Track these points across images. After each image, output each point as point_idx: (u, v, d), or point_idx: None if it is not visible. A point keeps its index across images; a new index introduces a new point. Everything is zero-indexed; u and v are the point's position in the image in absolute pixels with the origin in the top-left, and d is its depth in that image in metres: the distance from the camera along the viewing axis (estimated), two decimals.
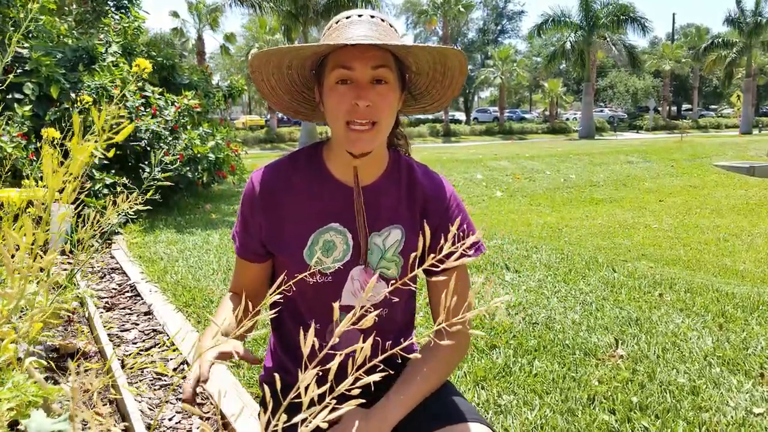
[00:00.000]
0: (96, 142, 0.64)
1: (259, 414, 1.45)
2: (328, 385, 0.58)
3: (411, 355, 0.71)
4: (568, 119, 44.43)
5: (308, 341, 0.59)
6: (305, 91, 1.27)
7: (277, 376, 0.64)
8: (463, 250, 0.68)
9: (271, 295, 0.83)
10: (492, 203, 10.72)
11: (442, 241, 0.69)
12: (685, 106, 56.13)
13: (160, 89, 6.97)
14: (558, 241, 6.62)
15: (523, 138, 32.94)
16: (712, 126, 42.29)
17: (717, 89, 53.96)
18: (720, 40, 35.78)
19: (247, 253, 1.27)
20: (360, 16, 1.15)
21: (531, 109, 58.68)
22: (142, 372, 2.51)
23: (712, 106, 58.55)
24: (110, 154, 0.74)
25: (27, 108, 5.50)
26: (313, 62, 1.19)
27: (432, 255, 0.68)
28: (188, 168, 6.68)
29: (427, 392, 1.20)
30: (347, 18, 1.15)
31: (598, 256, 4.89)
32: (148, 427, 1.99)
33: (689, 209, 9.99)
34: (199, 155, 6.81)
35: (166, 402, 2.26)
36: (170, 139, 6.56)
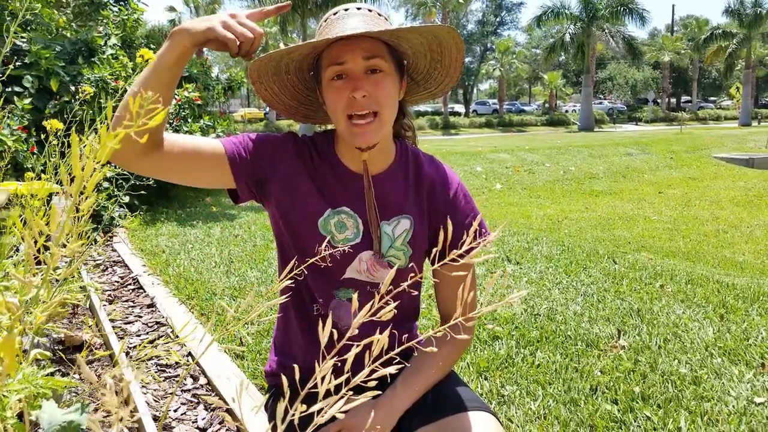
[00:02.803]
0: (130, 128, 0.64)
1: (265, 406, 1.47)
2: (340, 379, 0.59)
3: (427, 349, 0.72)
4: (567, 111, 44.38)
5: (326, 331, 0.59)
6: (310, 95, 1.27)
7: (284, 378, 0.64)
8: (474, 243, 0.69)
9: (281, 280, 0.83)
10: (492, 195, 10.73)
11: (455, 234, 0.69)
12: (684, 98, 56.06)
13: None
14: (558, 233, 6.64)
15: (522, 130, 32.90)
16: (712, 118, 42.23)
17: (716, 81, 53.95)
18: (719, 31, 35.68)
19: (232, 154, 1.17)
20: (347, 10, 1.16)
21: (530, 102, 58.61)
22: (147, 364, 2.52)
23: (712, 98, 58.51)
24: (144, 140, 0.75)
25: (27, 101, 5.48)
26: (309, 64, 1.20)
27: (455, 252, 0.68)
28: None
29: (433, 382, 1.22)
30: (335, 14, 1.17)
31: (598, 248, 4.90)
32: (155, 418, 2.00)
33: (688, 201, 10.00)
34: None
35: (172, 394, 2.27)
36: (171, 132, 6.56)
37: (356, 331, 0.61)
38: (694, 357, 2.58)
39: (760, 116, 37.25)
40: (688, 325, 2.95)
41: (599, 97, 51.28)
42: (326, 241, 1.20)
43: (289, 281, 0.85)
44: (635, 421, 2.07)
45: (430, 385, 1.21)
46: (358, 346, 0.61)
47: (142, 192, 5.27)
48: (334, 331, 0.61)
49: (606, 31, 31.84)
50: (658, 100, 47.07)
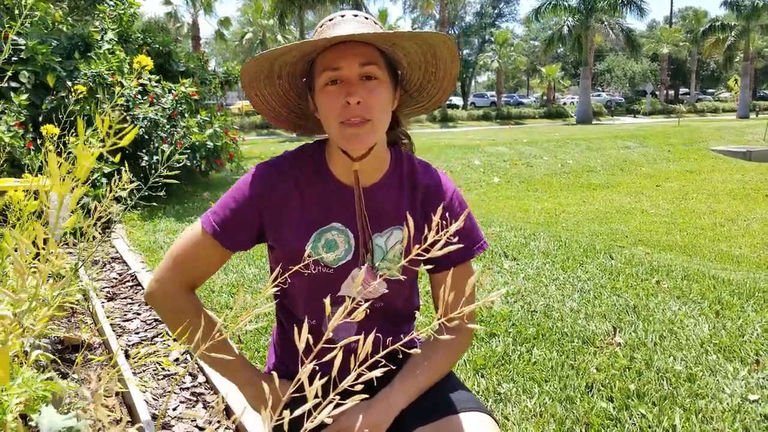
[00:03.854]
0: (102, 147, 0.66)
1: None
2: (325, 379, 0.59)
3: (411, 351, 0.72)
4: (565, 104, 44.33)
5: (302, 337, 0.60)
6: (301, 103, 1.26)
7: (275, 374, 0.65)
8: (464, 247, 0.70)
9: (270, 286, 0.84)
10: (489, 189, 10.74)
11: (443, 238, 0.70)
12: (682, 90, 56.05)
13: (157, 77, 6.94)
14: (555, 227, 6.65)
15: (520, 123, 32.87)
16: (710, 110, 42.25)
17: (714, 73, 53.96)
18: (718, 23, 35.62)
19: (226, 239, 1.20)
20: (343, 16, 1.16)
21: (528, 94, 58.55)
22: (145, 362, 2.53)
23: (710, 90, 58.48)
24: (116, 159, 0.76)
25: (23, 97, 5.47)
26: (302, 70, 1.18)
27: (417, 246, 0.68)
28: (186, 156, 6.67)
29: (430, 383, 1.22)
30: (330, 20, 1.16)
31: (595, 243, 4.91)
32: (154, 417, 2.01)
33: (686, 194, 10.03)
34: (197, 143, 6.80)
35: (170, 392, 2.28)
36: (168, 127, 6.55)
37: (331, 335, 0.62)
38: (689, 354, 2.60)
39: (758, 108, 37.24)
40: (684, 322, 2.97)
41: (597, 90, 51.22)
42: (310, 261, 1.20)
43: (277, 290, 0.85)
44: (630, 419, 2.09)
45: (427, 386, 1.21)
46: (339, 348, 0.61)
47: (153, 204, 5.28)
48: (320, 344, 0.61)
49: (605, 23, 31.76)
50: (657, 92, 47.03)
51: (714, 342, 2.72)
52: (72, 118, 2.47)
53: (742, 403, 2.19)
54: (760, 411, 2.13)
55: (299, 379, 0.59)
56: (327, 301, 0.66)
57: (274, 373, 0.65)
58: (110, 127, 0.65)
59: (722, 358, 2.57)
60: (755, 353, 2.60)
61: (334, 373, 0.59)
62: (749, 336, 2.79)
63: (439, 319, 0.68)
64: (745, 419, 2.08)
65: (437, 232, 0.68)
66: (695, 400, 2.20)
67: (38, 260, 0.76)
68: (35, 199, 1.71)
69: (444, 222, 1.25)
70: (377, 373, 0.61)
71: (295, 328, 1.37)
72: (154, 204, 5.51)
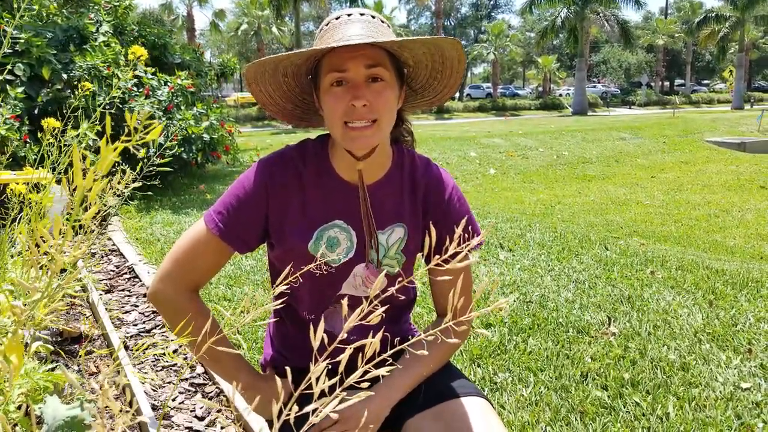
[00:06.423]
0: (129, 141, 0.68)
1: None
2: (334, 380, 0.61)
3: (419, 352, 0.74)
4: (561, 95, 44.31)
5: (318, 335, 0.62)
6: (306, 98, 1.25)
7: (289, 375, 0.67)
8: (459, 249, 0.72)
9: (277, 286, 0.85)
10: (485, 180, 10.76)
11: (447, 242, 0.72)
12: (677, 81, 56.10)
13: (153, 69, 6.92)
14: (551, 218, 6.68)
15: (516, 114, 32.87)
16: (705, 101, 42.33)
17: (710, 64, 54.01)
18: (713, 14, 35.63)
19: (233, 239, 1.19)
20: (349, 15, 1.14)
21: (524, 85, 58.50)
22: (144, 353, 2.55)
23: (705, 81, 58.56)
24: (142, 153, 0.78)
25: (19, 89, 5.45)
26: (307, 68, 1.18)
27: (437, 256, 0.71)
28: (182, 148, 6.66)
29: (427, 374, 1.24)
30: (337, 19, 1.14)
31: (590, 234, 4.94)
32: (154, 407, 2.03)
33: (681, 185, 10.07)
34: (193, 136, 6.79)
35: (170, 383, 2.30)
36: (164, 119, 6.54)
37: (345, 336, 0.64)
38: (682, 343, 2.63)
39: (753, 99, 37.31)
40: (678, 312, 3.00)
41: (593, 81, 51.24)
42: (314, 260, 1.20)
43: (286, 288, 0.86)
44: (624, 407, 2.12)
45: (424, 377, 1.23)
46: (351, 349, 0.63)
47: (148, 193, 5.29)
48: (326, 336, 0.63)
49: (600, 14, 31.71)
50: (652, 84, 47.06)
51: (707, 331, 2.75)
52: (67, 112, 2.47)
53: (734, 391, 2.22)
54: (752, 399, 2.17)
55: (309, 378, 0.61)
56: (344, 303, 0.68)
57: (288, 373, 0.67)
58: (138, 123, 0.67)
59: (715, 347, 2.60)
60: (748, 342, 2.64)
61: (341, 368, 0.61)
62: (742, 325, 2.82)
63: (447, 322, 0.70)
64: (738, 407, 2.11)
65: (458, 243, 0.70)
66: (689, 389, 2.23)
67: (47, 253, 0.77)
68: (34, 191, 1.72)
69: (449, 220, 1.26)
70: (383, 371, 0.63)
71: (295, 324, 1.39)
72: (149, 193, 5.51)
